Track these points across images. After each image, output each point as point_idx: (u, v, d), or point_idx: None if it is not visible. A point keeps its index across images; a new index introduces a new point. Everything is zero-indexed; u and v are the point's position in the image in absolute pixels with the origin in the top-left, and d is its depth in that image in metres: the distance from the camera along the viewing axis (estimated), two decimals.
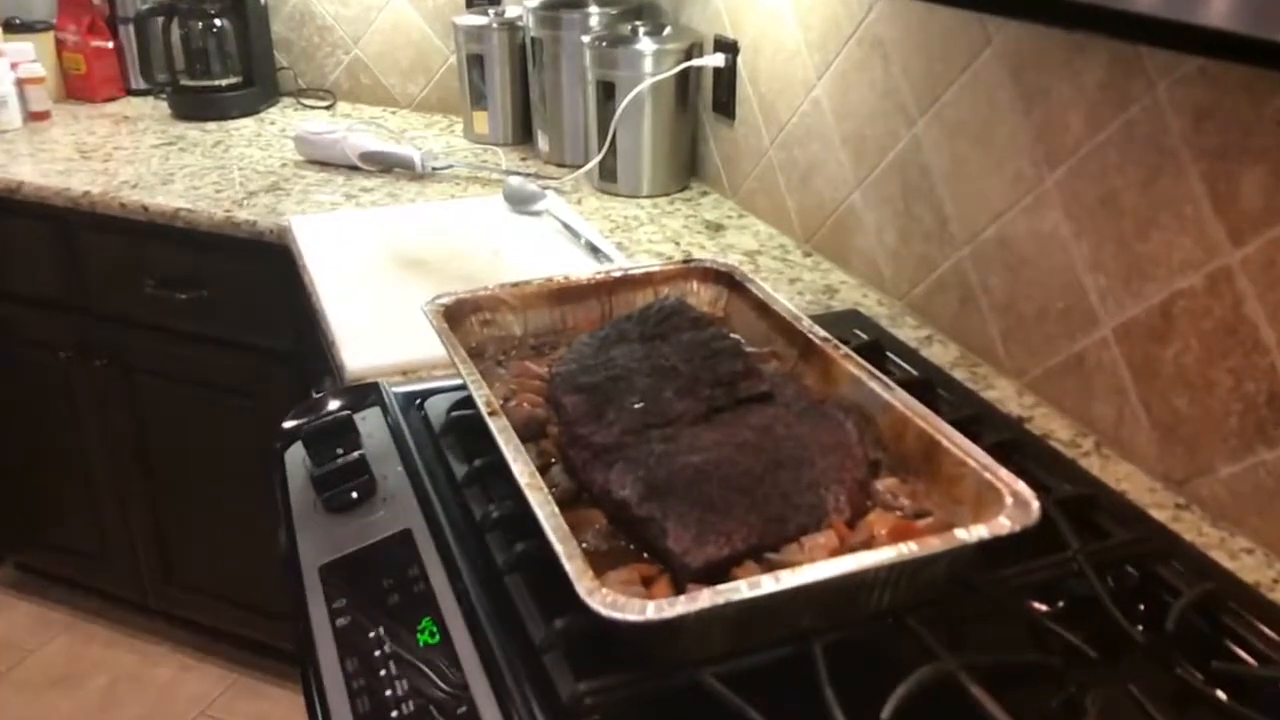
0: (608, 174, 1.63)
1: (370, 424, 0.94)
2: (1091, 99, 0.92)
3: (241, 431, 1.70)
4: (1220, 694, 0.66)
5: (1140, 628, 0.70)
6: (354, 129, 1.80)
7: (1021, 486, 0.68)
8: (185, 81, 2.06)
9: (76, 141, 1.89)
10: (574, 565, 0.61)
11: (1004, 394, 1.05)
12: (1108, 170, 0.91)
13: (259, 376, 1.65)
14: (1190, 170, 0.83)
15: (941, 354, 1.13)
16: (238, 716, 1.94)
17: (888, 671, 0.63)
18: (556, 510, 0.66)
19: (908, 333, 1.17)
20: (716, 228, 1.51)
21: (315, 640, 0.74)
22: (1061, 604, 0.73)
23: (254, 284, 1.58)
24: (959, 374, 1.08)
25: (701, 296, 1.02)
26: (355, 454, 0.88)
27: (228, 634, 2.01)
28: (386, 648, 0.70)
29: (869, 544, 0.67)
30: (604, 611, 0.57)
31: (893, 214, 1.23)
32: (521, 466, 0.70)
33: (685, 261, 1.04)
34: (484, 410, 0.77)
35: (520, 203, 1.51)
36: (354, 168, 1.72)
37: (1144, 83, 0.86)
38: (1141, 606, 0.74)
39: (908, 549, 0.63)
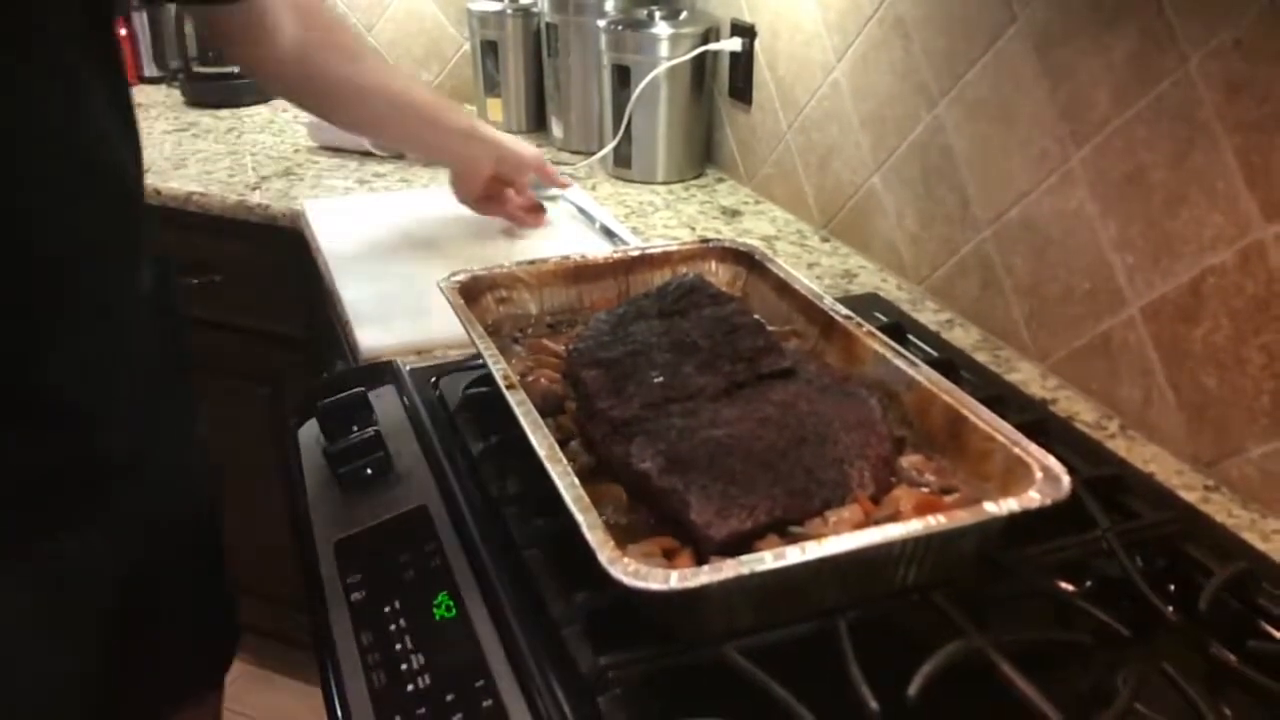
0: (622, 160, 1.61)
1: (385, 402, 0.93)
2: (1120, 75, 0.90)
3: (253, 418, 1.69)
4: (1256, 674, 0.64)
5: (1171, 608, 0.69)
6: None
7: (1052, 461, 0.66)
8: (198, 68, 2.05)
9: None
10: (595, 535, 0.59)
11: (1027, 377, 1.03)
12: (1136, 147, 0.90)
13: (271, 362, 1.64)
14: (1223, 144, 0.81)
15: (963, 337, 1.12)
16: (249, 707, 1.94)
17: (914, 649, 0.61)
18: (577, 482, 0.64)
19: (928, 316, 1.16)
20: (733, 214, 1.49)
21: (330, 616, 0.72)
22: (1090, 583, 0.71)
23: (266, 269, 1.57)
24: (981, 357, 1.06)
25: (720, 276, 1.01)
26: (370, 430, 0.87)
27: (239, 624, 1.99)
28: (402, 622, 0.69)
29: (894, 519, 0.65)
30: (627, 581, 0.56)
31: (913, 197, 1.21)
32: (541, 439, 0.69)
33: (704, 241, 1.03)
34: (501, 384, 0.76)
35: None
36: (367, 153, 1.71)
37: (1176, 56, 0.84)
38: (1172, 587, 0.72)
39: (935, 521, 0.61)
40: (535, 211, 1.36)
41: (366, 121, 1.31)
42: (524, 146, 1.31)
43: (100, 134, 0.76)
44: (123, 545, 0.84)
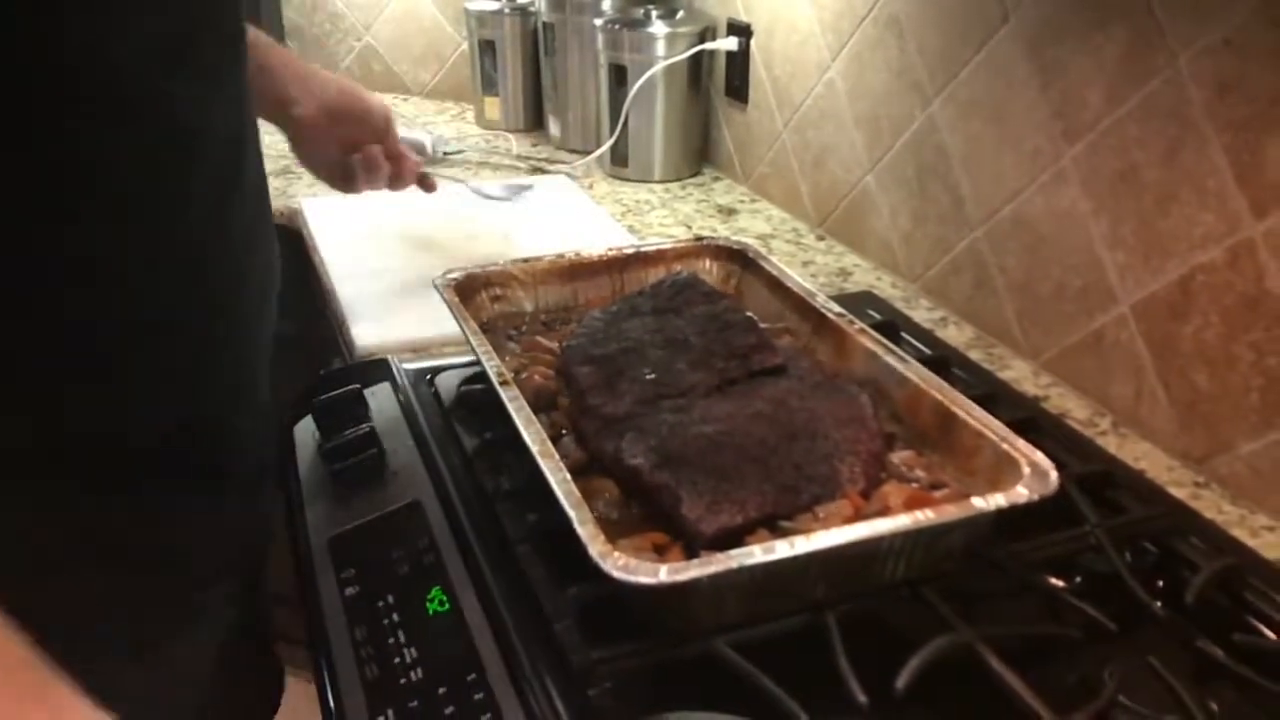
0: (619, 159, 1.62)
1: (380, 399, 0.94)
2: (1111, 73, 0.91)
3: None
4: (1241, 667, 0.65)
5: (1159, 603, 0.69)
6: None
7: (1039, 456, 0.67)
8: None
9: None
10: (586, 530, 0.60)
11: (1020, 374, 1.04)
12: (1127, 145, 0.90)
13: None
14: (1213, 143, 0.82)
15: (956, 335, 1.12)
16: None
17: (903, 643, 0.62)
18: (569, 477, 0.65)
19: (922, 314, 1.16)
20: (729, 212, 1.50)
21: (324, 610, 0.73)
22: (1079, 579, 0.71)
23: None
24: (974, 355, 1.07)
25: (714, 274, 1.01)
26: (365, 427, 0.87)
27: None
28: (395, 617, 0.70)
29: (884, 514, 0.66)
30: (617, 574, 0.56)
31: (907, 195, 1.22)
32: (534, 435, 0.69)
33: (698, 239, 1.03)
34: (495, 380, 0.76)
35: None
36: None
37: (1165, 55, 0.85)
38: (1160, 582, 0.73)
39: (924, 516, 0.62)
40: (412, 176, 1.11)
41: None
42: (368, 97, 1.05)
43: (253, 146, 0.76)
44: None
